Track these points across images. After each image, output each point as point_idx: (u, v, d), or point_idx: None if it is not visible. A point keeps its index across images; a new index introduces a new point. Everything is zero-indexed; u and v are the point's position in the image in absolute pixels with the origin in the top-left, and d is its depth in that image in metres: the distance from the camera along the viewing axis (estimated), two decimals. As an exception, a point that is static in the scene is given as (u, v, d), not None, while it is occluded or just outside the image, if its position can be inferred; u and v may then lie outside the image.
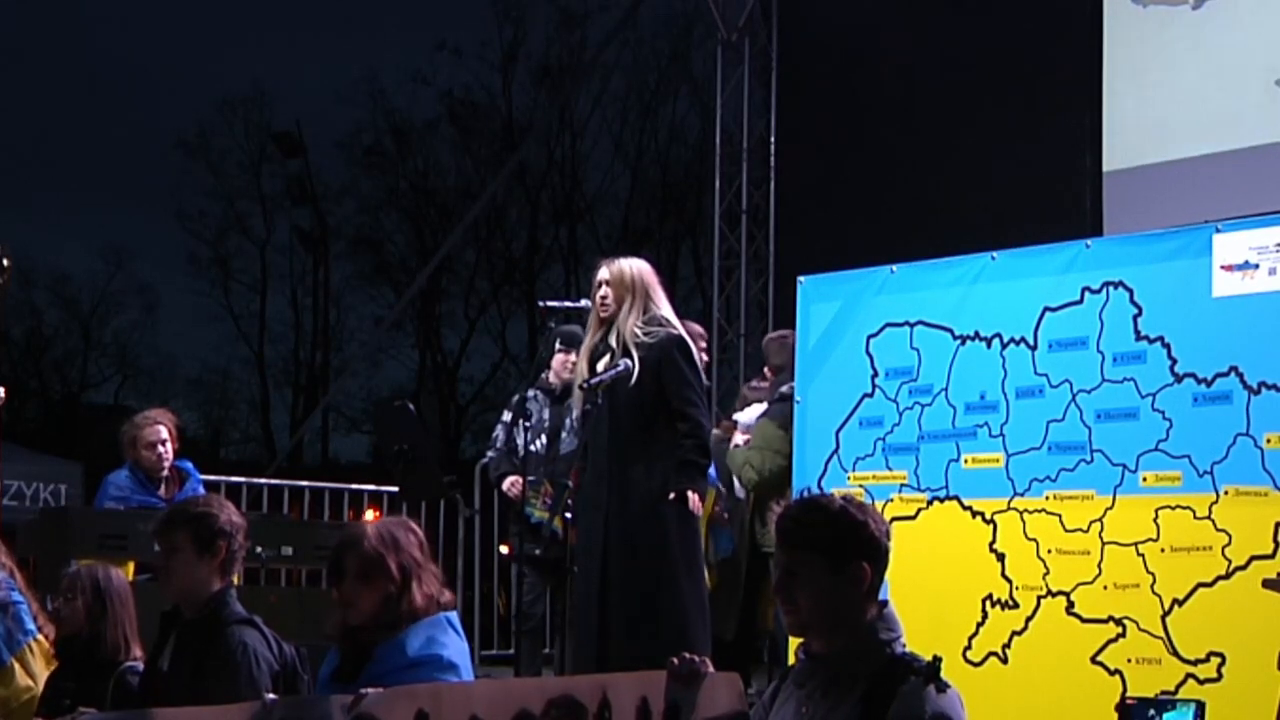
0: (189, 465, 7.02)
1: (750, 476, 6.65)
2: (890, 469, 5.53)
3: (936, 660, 2.96)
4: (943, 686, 2.92)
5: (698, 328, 7.08)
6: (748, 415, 7.04)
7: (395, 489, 8.30)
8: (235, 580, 4.32)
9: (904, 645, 3.04)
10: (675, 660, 3.49)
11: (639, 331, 5.51)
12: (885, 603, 3.07)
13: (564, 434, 6.76)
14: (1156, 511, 4.86)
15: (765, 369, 7.18)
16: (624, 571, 5.41)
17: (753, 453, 6.66)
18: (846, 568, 3.02)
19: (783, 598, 3.09)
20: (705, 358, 7.10)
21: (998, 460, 5.25)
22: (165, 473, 6.81)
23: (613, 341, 5.54)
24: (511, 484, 7.04)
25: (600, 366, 5.54)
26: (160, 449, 6.75)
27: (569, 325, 6.71)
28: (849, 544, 3.03)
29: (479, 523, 9.72)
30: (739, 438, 6.95)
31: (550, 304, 5.59)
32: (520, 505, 6.71)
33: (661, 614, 5.36)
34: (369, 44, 38.17)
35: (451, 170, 28.56)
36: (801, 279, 5.99)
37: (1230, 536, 4.70)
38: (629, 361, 5.44)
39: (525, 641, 7.22)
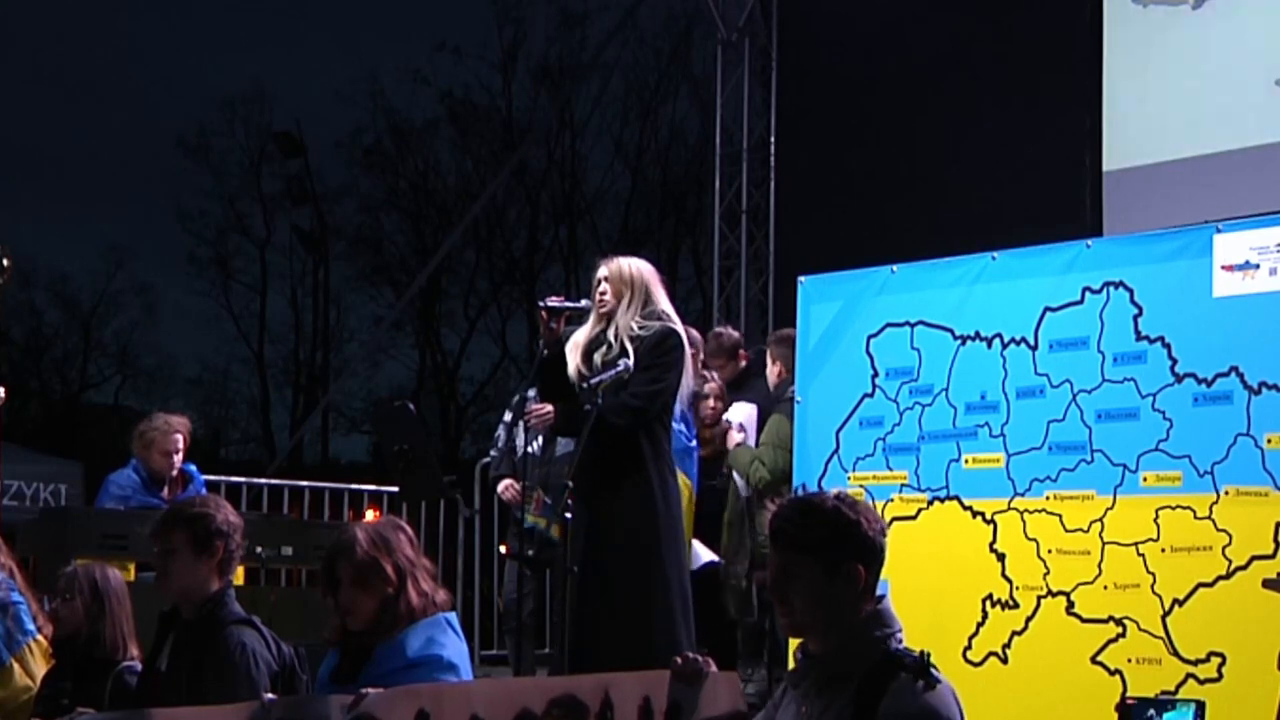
0: (193, 468, 7.07)
1: (761, 474, 6.54)
2: (891, 469, 5.52)
3: (924, 655, 2.95)
4: (932, 682, 2.91)
5: (694, 333, 7.04)
6: (738, 413, 7.00)
7: (395, 489, 8.30)
8: (234, 580, 4.32)
9: (900, 641, 3.03)
10: (679, 659, 3.49)
11: (635, 326, 5.49)
12: (882, 598, 3.05)
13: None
14: (1157, 511, 4.86)
15: (775, 364, 7.07)
16: (608, 564, 5.37)
17: (764, 449, 6.57)
18: (841, 568, 3.00)
19: (777, 599, 3.08)
20: (698, 367, 7.07)
21: (998, 460, 5.24)
22: (172, 474, 6.87)
23: (610, 336, 5.52)
24: (505, 488, 7.03)
25: (597, 358, 5.52)
26: (174, 458, 6.86)
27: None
28: (843, 545, 3.02)
29: (479, 523, 9.71)
30: (735, 436, 6.91)
31: (551, 303, 5.54)
32: (518, 509, 6.70)
33: (653, 614, 5.34)
34: (369, 44, 38.26)
35: (451, 170, 28.61)
36: (802, 279, 5.99)
37: (1230, 536, 4.70)
38: (628, 362, 5.42)
39: (522, 641, 7.20)
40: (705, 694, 3.43)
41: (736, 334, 7.96)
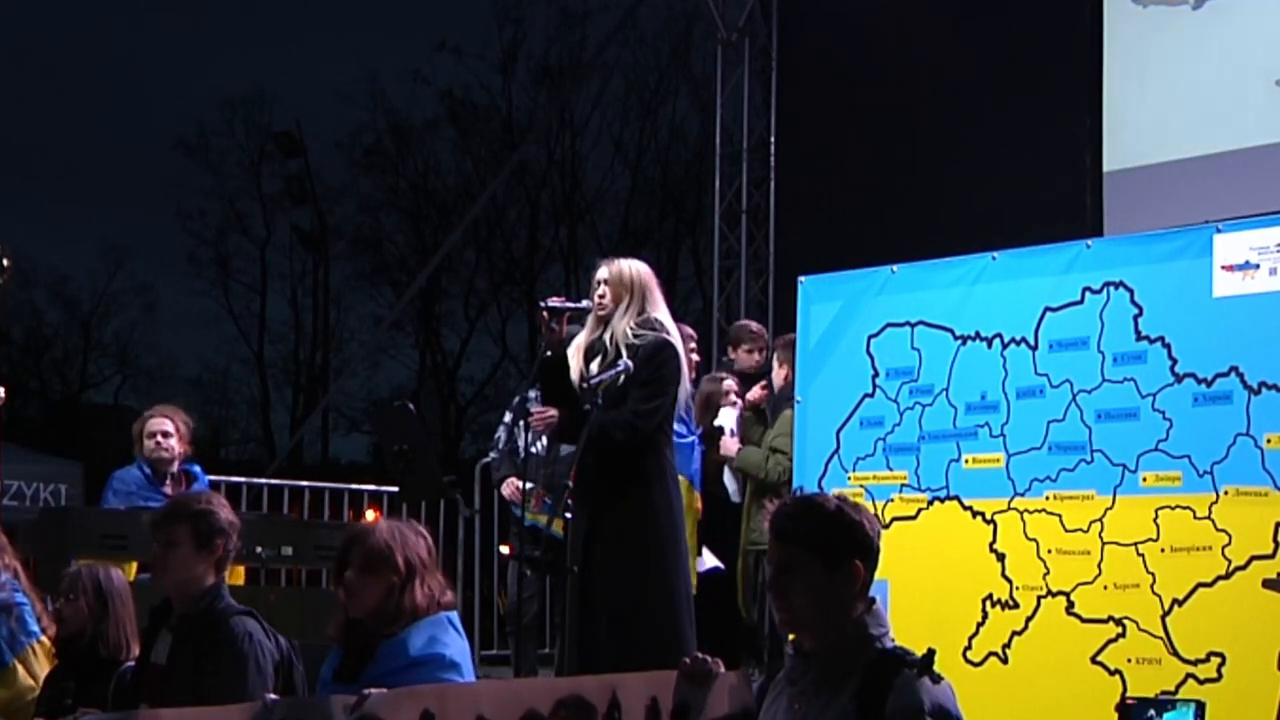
0: (197, 468, 7.01)
1: (783, 464, 6.44)
2: (891, 469, 5.53)
3: (930, 653, 2.99)
4: (937, 678, 2.95)
5: (687, 329, 7.03)
6: (726, 418, 6.98)
7: (395, 489, 8.30)
8: (230, 580, 4.35)
9: (893, 640, 3.07)
10: (688, 660, 3.49)
11: (630, 332, 5.48)
12: (874, 600, 3.11)
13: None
14: (1156, 511, 4.87)
15: (782, 368, 7.06)
16: (612, 569, 5.37)
17: (782, 441, 6.54)
18: (841, 566, 3.06)
19: (776, 594, 3.13)
20: (697, 358, 7.09)
21: (998, 460, 5.25)
22: (174, 468, 6.79)
23: (607, 340, 5.52)
24: (507, 485, 7.10)
25: (594, 367, 5.52)
26: (160, 440, 6.71)
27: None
28: (844, 543, 3.08)
29: (479, 523, 9.71)
30: (733, 443, 6.89)
31: (552, 304, 5.52)
32: (520, 508, 6.72)
33: (654, 611, 5.34)
34: (369, 44, 38.25)
35: (451, 170, 28.60)
36: (802, 279, 6.00)
37: (1230, 536, 4.71)
38: (628, 362, 5.41)
39: (522, 641, 7.20)
40: (713, 694, 3.44)
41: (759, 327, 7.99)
